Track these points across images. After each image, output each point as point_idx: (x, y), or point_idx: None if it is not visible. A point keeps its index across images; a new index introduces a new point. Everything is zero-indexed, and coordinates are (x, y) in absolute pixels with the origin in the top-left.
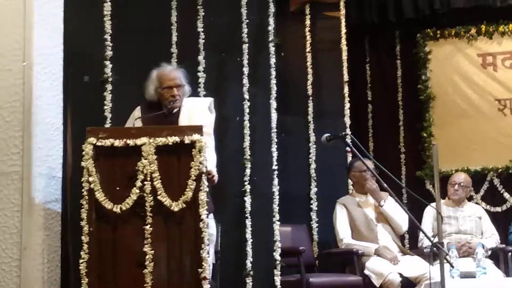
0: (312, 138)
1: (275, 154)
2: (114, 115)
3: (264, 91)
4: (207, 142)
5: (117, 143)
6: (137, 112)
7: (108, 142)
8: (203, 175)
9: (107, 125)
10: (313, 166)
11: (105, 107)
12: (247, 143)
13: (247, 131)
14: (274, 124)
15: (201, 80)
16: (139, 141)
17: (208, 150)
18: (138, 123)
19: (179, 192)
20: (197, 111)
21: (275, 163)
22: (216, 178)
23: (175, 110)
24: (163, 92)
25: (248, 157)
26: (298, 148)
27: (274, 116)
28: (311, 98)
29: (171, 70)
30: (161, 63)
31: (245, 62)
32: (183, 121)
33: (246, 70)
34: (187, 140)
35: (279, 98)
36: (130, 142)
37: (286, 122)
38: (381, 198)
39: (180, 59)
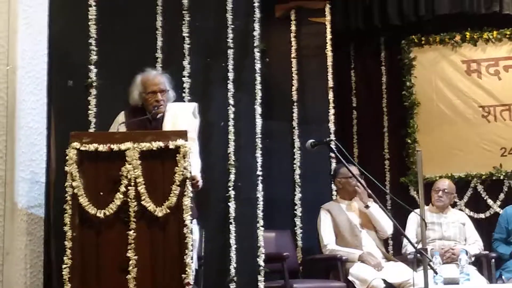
0: (297, 143)
1: (259, 160)
2: (98, 120)
3: (248, 96)
4: (192, 147)
5: (101, 148)
6: (121, 117)
7: (92, 147)
8: (187, 180)
9: (91, 130)
10: (297, 171)
11: (89, 111)
12: (231, 148)
13: (231, 136)
14: (258, 129)
15: (186, 85)
16: (123, 146)
17: (193, 155)
18: (122, 128)
19: (163, 197)
20: (182, 116)
21: (259, 168)
22: (200, 183)
23: (159, 115)
24: (147, 97)
25: (233, 163)
26: (282, 154)
27: (258, 121)
28: (296, 103)
29: (156, 75)
30: (146, 68)
31: (230, 67)
32: (167, 126)
33: (231, 75)
34: (171, 145)
35: (264, 104)
36: (114, 147)
37: (270, 128)
38: (368, 199)
39: (165, 64)
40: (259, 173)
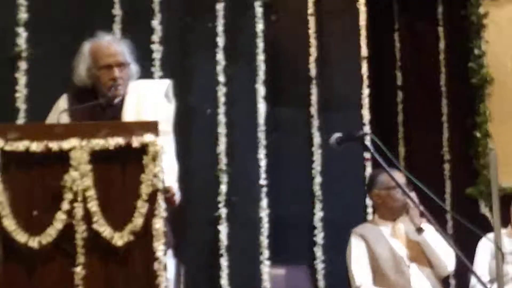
0: (316, 139)
1: (263, 163)
2: (30, 107)
3: (247, 72)
4: (165, 145)
5: (35, 147)
6: (63, 102)
7: (21, 145)
8: (159, 193)
9: (20, 121)
10: (317, 179)
11: (17, 94)
12: (222, 146)
13: (222, 129)
14: (261, 119)
15: (156, 56)
16: (66, 144)
17: (166, 157)
18: (65, 118)
19: (123, 218)
20: (150, 100)
21: (263, 175)
22: (178, 197)
23: (117, 100)
24: (99, 74)
25: (224, 167)
26: (296, 154)
27: (261, 107)
28: (314, 81)
29: (111, 43)
30: (97, 32)
31: (220, 29)
32: (130, 114)
33: (221, 41)
34: (135, 142)
35: (268, 82)
36: (53, 145)
37: (279, 116)
38: (420, 221)
39: (126, 25)
40: (262, 182)
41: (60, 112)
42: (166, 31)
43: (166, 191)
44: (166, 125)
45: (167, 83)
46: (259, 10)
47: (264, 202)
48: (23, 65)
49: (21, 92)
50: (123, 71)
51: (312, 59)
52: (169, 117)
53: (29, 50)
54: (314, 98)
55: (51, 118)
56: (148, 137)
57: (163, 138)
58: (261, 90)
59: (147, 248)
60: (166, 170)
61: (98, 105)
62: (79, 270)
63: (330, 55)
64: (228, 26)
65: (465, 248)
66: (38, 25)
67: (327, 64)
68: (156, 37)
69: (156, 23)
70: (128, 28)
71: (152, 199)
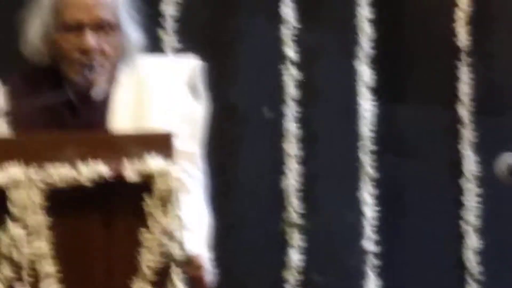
0: (470, 164)
1: (369, 213)
2: None
3: (339, 44)
4: (187, 178)
5: None
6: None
7: None
8: (175, 267)
9: None
10: (472, 220)
11: None
12: (291, 176)
13: (291, 144)
14: (365, 128)
15: (169, 11)
16: (2, 176)
17: (191, 201)
18: (1, 127)
19: None
20: (162, 96)
21: (370, 234)
22: (210, 275)
23: (97, 93)
24: (60, 40)
25: (297, 217)
26: (433, 187)
27: (366, 106)
28: (465, 60)
29: None
30: None
31: None
32: (122, 120)
33: None
34: (130, 172)
35: (378, 63)
36: None
37: (397, 124)
38: None
39: None
40: (369, 246)
41: None
42: None
43: (189, 263)
44: (191, 142)
45: (193, 66)
46: None
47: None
48: None
49: None
50: (108, 38)
51: (461, 29)
52: (196, 126)
53: None
54: (464, 90)
55: None
56: (154, 163)
57: (185, 164)
58: (365, 76)
59: None
60: (190, 224)
61: (63, 103)
62: None
63: (491, 11)
64: None
65: None
66: None
67: (485, 39)
68: None
69: None
70: None
71: (161, 278)
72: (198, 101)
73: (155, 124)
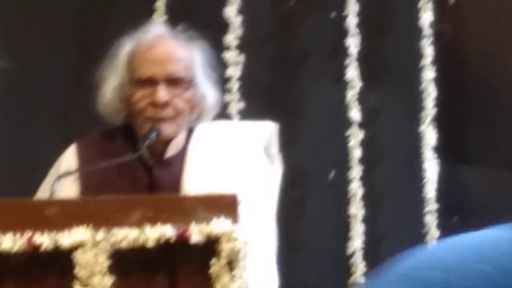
0: None
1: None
2: (0, 165)
3: (403, 102)
4: (256, 240)
5: (9, 242)
6: (69, 158)
7: None
8: None
9: None
10: None
11: None
12: (357, 242)
13: (356, 201)
14: (430, 186)
15: (233, 72)
16: (66, 238)
17: (258, 264)
18: (69, 188)
19: None
20: (237, 161)
21: None
22: None
23: (172, 152)
24: (133, 93)
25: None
26: None
27: (429, 164)
28: None
29: (163, 40)
30: (143, 23)
31: (352, 22)
32: (193, 182)
33: (354, 45)
34: (195, 234)
35: (445, 122)
36: (44, 240)
37: (464, 181)
38: None
39: (176, 14)
40: None
41: (60, 176)
42: (252, 26)
43: None
44: (264, 205)
45: (269, 130)
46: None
47: None
48: None
49: None
50: (181, 94)
51: None
52: (270, 190)
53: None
54: None
55: (46, 188)
56: (220, 225)
57: (256, 227)
58: (429, 136)
59: None
60: (256, 286)
61: (137, 162)
62: None
63: None
64: (367, 16)
65: None
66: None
67: None
68: (232, 37)
69: (232, 10)
70: (177, 18)
71: None
72: (273, 165)
73: (228, 186)
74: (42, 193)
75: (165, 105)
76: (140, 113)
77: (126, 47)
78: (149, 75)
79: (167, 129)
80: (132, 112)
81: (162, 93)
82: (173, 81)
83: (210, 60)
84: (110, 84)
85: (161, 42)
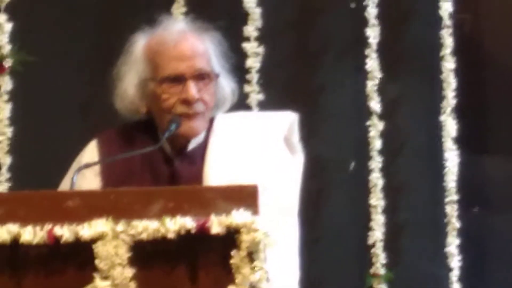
0: None
1: (453, 250)
2: (21, 159)
3: (421, 89)
4: (278, 231)
5: (29, 235)
6: (91, 152)
7: (4, 233)
8: None
9: (3, 186)
10: None
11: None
12: (378, 231)
13: (376, 192)
14: (450, 176)
15: (253, 63)
16: (87, 230)
17: (280, 255)
18: (90, 181)
19: None
20: (257, 152)
21: (455, 267)
22: None
23: (193, 144)
24: (159, 92)
25: (382, 269)
26: None
27: (450, 155)
28: None
29: (185, 35)
30: (157, 17)
31: (372, 12)
32: (215, 173)
33: (373, 35)
34: (215, 225)
35: (464, 112)
36: (64, 232)
37: (484, 171)
38: None
39: (195, 7)
40: None
41: (81, 168)
42: (272, 17)
43: None
44: (286, 195)
45: (290, 121)
46: None
47: None
48: (6, 81)
49: (3, 131)
50: (206, 88)
51: None
52: (292, 180)
53: (16, 57)
54: None
55: (66, 182)
56: (240, 216)
57: (278, 218)
58: (449, 126)
59: None
60: (277, 277)
61: (158, 155)
62: None
63: None
64: (386, 6)
65: None
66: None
67: None
68: (252, 28)
69: (252, 1)
70: (197, 10)
71: None
72: (294, 155)
73: (250, 177)
74: (64, 187)
75: (196, 101)
76: (170, 110)
77: (142, 43)
78: (177, 72)
79: (197, 124)
80: (156, 109)
81: (194, 90)
82: (200, 76)
83: (223, 50)
84: (130, 81)
85: (185, 38)
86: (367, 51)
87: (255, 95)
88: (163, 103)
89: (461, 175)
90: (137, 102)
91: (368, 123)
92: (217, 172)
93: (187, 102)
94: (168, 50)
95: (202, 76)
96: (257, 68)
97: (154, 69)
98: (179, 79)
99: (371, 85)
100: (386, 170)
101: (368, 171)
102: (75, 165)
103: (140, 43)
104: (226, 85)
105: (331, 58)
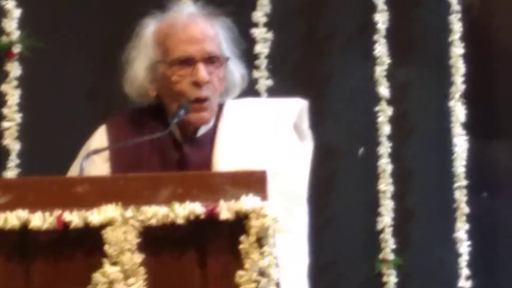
0: None
1: (464, 250)
2: (29, 145)
3: (430, 75)
4: (286, 217)
5: (38, 220)
6: (100, 138)
7: (12, 218)
8: None
9: (11, 173)
10: None
11: (5, 122)
12: (387, 216)
13: (385, 177)
14: (459, 161)
15: (261, 48)
16: (96, 216)
17: (289, 242)
18: (99, 167)
19: None
20: (266, 139)
21: (464, 252)
22: None
23: (203, 130)
24: (169, 74)
25: (391, 256)
26: None
27: (458, 140)
28: None
29: (194, 19)
30: (166, 3)
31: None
32: (224, 160)
33: (382, 20)
34: (224, 211)
35: (473, 97)
36: (73, 218)
37: (493, 156)
38: None
39: None
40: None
41: (90, 153)
42: (280, 3)
43: None
44: (295, 181)
45: (299, 108)
46: None
47: None
48: (15, 69)
49: (12, 117)
50: (216, 71)
51: None
52: (301, 166)
53: (27, 41)
54: None
55: (75, 169)
56: (249, 201)
57: (288, 204)
58: (458, 111)
59: None
60: (286, 263)
61: (167, 140)
62: None
63: None
64: None
65: None
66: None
67: None
68: (260, 14)
69: None
70: None
71: None
72: (304, 142)
73: (259, 163)
74: (73, 173)
75: (206, 83)
76: (181, 93)
77: (152, 27)
78: (187, 54)
79: (206, 114)
80: (167, 93)
81: (204, 72)
82: (210, 60)
83: (233, 35)
84: (140, 65)
85: (195, 21)
86: (375, 37)
87: (264, 81)
88: (173, 86)
89: (470, 161)
90: (147, 86)
91: (377, 108)
92: (226, 158)
93: (197, 84)
94: (178, 33)
95: (212, 60)
96: (266, 54)
97: (164, 52)
98: (189, 62)
99: (380, 71)
100: (395, 156)
101: (377, 157)
102: (84, 151)
103: (150, 27)
104: (236, 70)
105: (340, 44)
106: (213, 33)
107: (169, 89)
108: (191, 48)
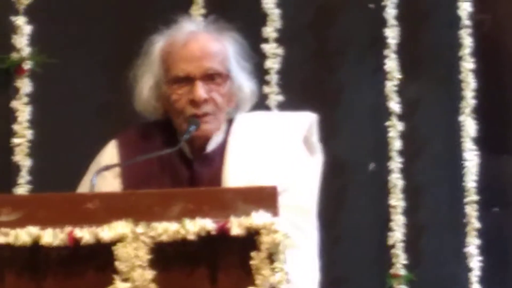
0: None
1: (473, 250)
2: (39, 162)
3: (440, 90)
4: (297, 233)
5: (49, 237)
6: (110, 154)
7: (22, 235)
8: None
9: (21, 189)
10: None
11: (16, 139)
12: (398, 232)
13: (396, 192)
14: (470, 176)
15: (272, 64)
16: (107, 232)
17: (299, 258)
18: (109, 183)
19: None
20: (276, 154)
21: (475, 267)
22: None
23: (212, 145)
24: (169, 93)
25: (404, 272)
26: None
27: (469, 155)
28: None
29: (197, 35)
30: (175, 19)
31: (391, 13)
32: (234, 176)
33: (392, 35)
34: (235, 227)
35: (481, 110)
36: (84, 234)
37: (503, 172)
38: None
39: (215, 7)
40: None
41: (101, 170)
42: (290, 18)
43: None
44: (305, 196)
45: (309, 122)
46: None
47: None
48: (25, 85)
49: (23, 134)
50: (219, 88)
51: None
52: (311, 181)
53: (35, 58)
54: None
55: (85, 185)
56: (260, 217)
57: (297, 219)
58: (468, 126)
59: None
60: (297, 279)
61: (177, 156)
62: None
63: None
64: (405, 6)
65: None
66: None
67: None
68: (271, 29)
69: (271, 2)
70: (216, 11)
71: None
72: (313, 156)
73: (269, 178)
74: (83, 188)
75: (204, 102)
76: (180, 112)
77: (159, 44)
78: (185, 73)
79: (208, 126)
80: (171, 111)
81: (201, 90)
82: (210, 77)
83: (243, 50)
84: (146, 83)
85: (195, 38)
86: (386, 52)
87: (275, 96)
88: (174, 105)
89: (481, 175)
90: (153, 104)
91: (387, 123)
92: (236, 174)
93: (194, 103)
94: (178, 51)
95: (212, 77)
96: (276, 69)
97: (165, 70)
98: (187, 80)
99: (390, 86)
100: (405, 171)
101: (387, 172)
102: (94, 166)
103: (156, 44)
104: (246, 85)
105: (350, 59)
106: (217, 49)
107: (170, 107)
108: (188, 66)
